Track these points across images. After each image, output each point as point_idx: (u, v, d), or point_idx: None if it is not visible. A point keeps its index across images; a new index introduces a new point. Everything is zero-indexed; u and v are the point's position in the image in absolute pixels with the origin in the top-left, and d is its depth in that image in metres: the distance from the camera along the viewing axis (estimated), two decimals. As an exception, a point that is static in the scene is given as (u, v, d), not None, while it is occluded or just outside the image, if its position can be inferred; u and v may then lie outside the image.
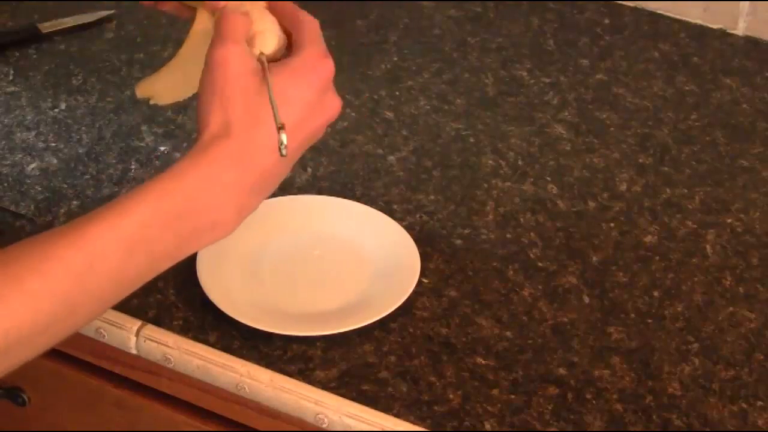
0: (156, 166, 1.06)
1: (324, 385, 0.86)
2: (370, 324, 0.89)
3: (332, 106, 0.80)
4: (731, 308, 0.94)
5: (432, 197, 1.04)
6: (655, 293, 0.95)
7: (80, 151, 1.08)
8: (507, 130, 1.13)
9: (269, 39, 0.83)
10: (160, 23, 1.26)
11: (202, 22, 0.85)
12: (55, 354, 0.99)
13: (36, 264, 0.69)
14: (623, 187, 1.06)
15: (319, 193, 1.03)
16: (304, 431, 0.87)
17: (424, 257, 0.95)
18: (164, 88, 0.88)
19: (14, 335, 0.68)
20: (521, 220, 1.02)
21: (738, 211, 1.04)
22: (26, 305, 0.68)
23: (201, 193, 0.74)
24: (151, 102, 0.89)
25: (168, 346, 0.89)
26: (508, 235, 1.00)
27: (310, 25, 0.83)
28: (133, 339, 0.90)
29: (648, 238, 1.00)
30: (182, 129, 1.10)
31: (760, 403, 0.86)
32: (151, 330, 0.90)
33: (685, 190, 1.06)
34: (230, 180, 0.75)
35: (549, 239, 1.00)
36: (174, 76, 0.88)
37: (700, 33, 1.30)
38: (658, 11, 1.32)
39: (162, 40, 1.23)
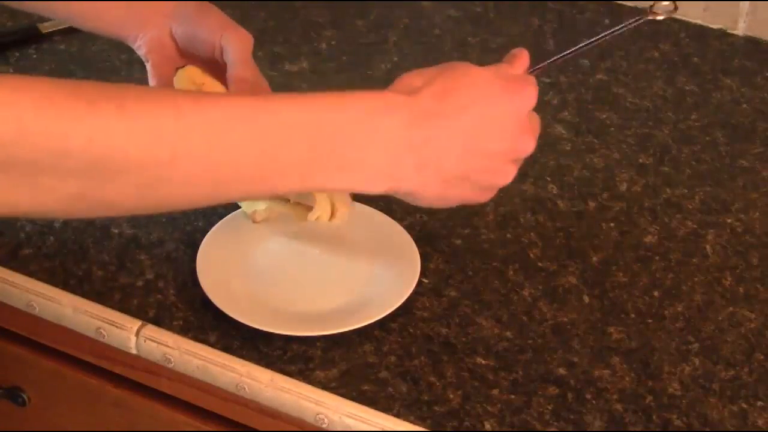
0: (156, 166, 1.06)
1: (324, 385, 0.86)
2: (370, 324, 0.89)
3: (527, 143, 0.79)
4: (731, 308, 0.94)
5: (432, 197, 1.04)
6: (655, 293, 0.95)
7: (80, 151, 1.08)
8: (507, 130, 1.13)
9: None
10: (160, 23, 1.26)
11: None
12: (55, 354, 0.99)
13: (150, 99, 0.66)
14: (623, 187, 1.06)
15: (319, 193, 1.03)
16: (304, 431, 0.87)
17: (424, 257, 0.95)
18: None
19: (99, 151, 0.64)
20: (521, 220, 1.02)
21: (738, 211, 1.04)
22: (122, 128, 0.65)
23: (354, 123, 0.71)
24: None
25: (168, 346, 0.89)
26: (508, 235, 1.00)
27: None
28: (133, 339, 0.90)
29: (648, 238, 1.00)
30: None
31: (760, 403, 0.86)
32: (151, 330, 0.90)
33: (685, 190, 1.06)
34: (392, 127, 0.72)
35: (549, 239, 1.00)
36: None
37: (700, 33, 1.30)
38: (658, 11, 1.32)
39: (162, 40, 1.23)
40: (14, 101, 0.63)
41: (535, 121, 0.80)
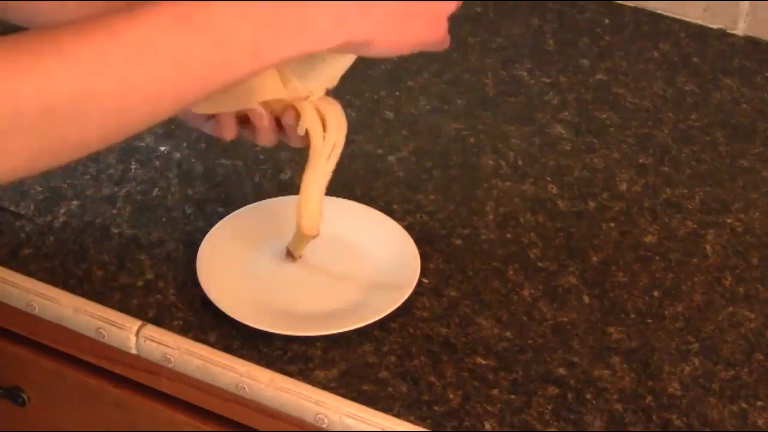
0: (156, 166, 1.06)
1: (324, 385, 0.86)
2: (370, 324, 0.89)
3: None
4: (731, 308, 0.94)
5: (432, 197, 1.04)
6: (655, 293, 0.95)
7: (80, 151, 1.08)
8: (507, 130, 1.13)
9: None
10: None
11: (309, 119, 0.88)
12: (55, 354, 0.99)
13: (85, 34, 0.66)
14: (623, 187, 1.06)
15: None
16: (304, 431, 0.87)
17: (424, 257, 0.95)
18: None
19: (51, 100, 0.64)
20: (521, 220, 1.02)
21: (738, 211, 1.04)
22: (67, 70, 0.65)
23: None
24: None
25: (168, 346, 0.89)
26: (508, 235, 1.00)
27: None
28: (133, 339, 0.90)
29: (648, 238, 1.00)
30: (182, 129, 1.10)
31: (760, 403, 0.86)
32: (151, 330, 0.90)
33: (685, 190, 1.06)
34: None
35: (549, 239, 1.00)
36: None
37: (700, 33, 1.30)
38: (658, 11, 1.32)
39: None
40: None
41: None
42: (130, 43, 0.67)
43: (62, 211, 1.01)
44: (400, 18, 0.78)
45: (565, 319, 0.92)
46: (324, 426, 0.85)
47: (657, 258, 0.98)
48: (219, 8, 0.70)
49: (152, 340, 0.90)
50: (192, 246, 0.96)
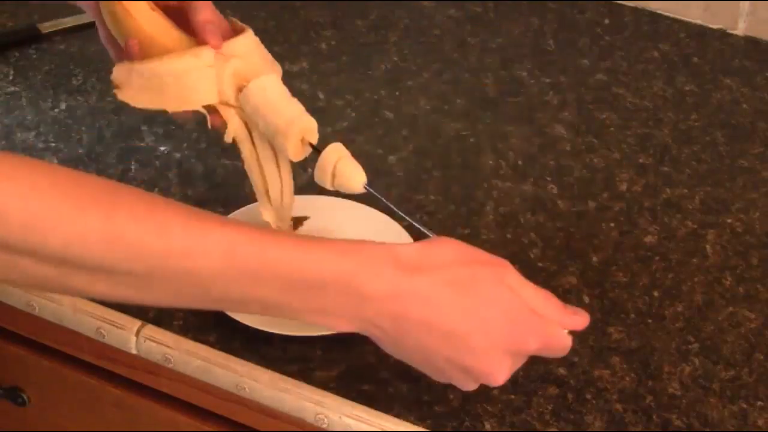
0: (156, 166, 1.06)
1: (324, 385, 0.86)
2: (370, 324, 0.89)
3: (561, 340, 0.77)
4: (731, 308, 0.94)
5: (432, 197, 1.04)
6: (655, 293, 0.95)
7: (80, 151, 1.08)
8: (507, 130, 1.13)
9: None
10: (160, 23, 1.25)
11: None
12: (55, 354, 0.99)
13: (200, 219, 0.70)
14: (623, 187, 1.06)
15: (320, 193, 1.03)
16: (304, 431, 0.87)
17: (424, 257, 0.95)
18: (139, 87, 0.88)
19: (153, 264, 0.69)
20: (521, 220, 1.02)
21: (738, 211, 1.04)
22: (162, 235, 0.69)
23: (347, 276, 0.72)
24: (115, 92, 0.89)
25: (168, 346, 0.89)
26: (508, 235, 1.00)
27: None
28: (133, 339, 0.90)
29: (648, 238, 1.00)
30: (182, 129, 1.10)
31: (760, 403, 0.86)
32: (151, 330, 0.90)
33: (685, 190, 1.06)
34: (375, 293, 0.73)
35: (549, 239, 1.00)
36: (151, 81, 0.87)
37: (700, 33, 1.30)
38: (658, 11, 1.32)
39: (162, 40, 1.23)
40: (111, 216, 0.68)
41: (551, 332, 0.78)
42: (216, 245, 0.70)
43: (62, 211, 1.01)
44: (423, 359, 0.75)
45: (565, 319, 0.92)
46: (324, 426, 0.85)
47: (657, 258, 0.98)
48: (275, 258, 0.71)
49: (152, 340, 0.90)
50: (192, 246, 0.96)
